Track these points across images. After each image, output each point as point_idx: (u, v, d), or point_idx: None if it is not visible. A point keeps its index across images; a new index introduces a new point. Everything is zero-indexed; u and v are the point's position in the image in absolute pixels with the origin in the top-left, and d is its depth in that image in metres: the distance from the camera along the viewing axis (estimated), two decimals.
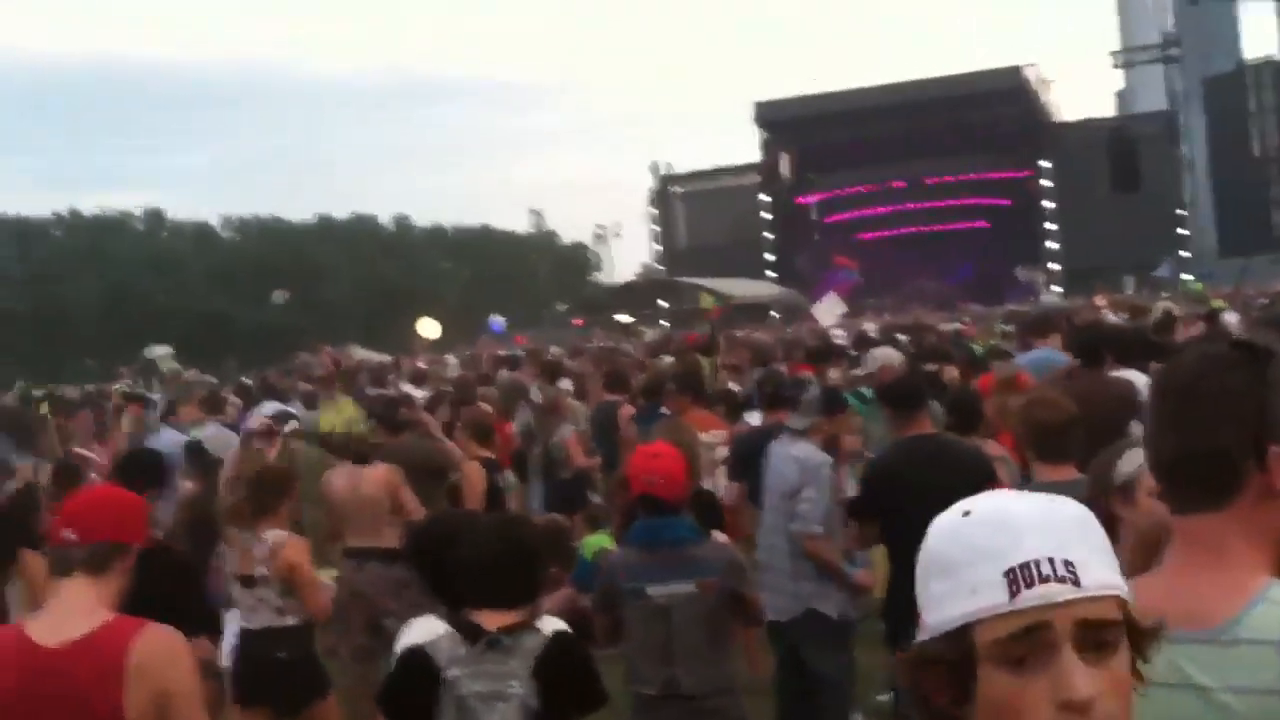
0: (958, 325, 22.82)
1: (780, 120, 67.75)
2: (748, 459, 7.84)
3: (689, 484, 5.39)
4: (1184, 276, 53.65)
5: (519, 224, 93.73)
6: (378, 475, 7.99)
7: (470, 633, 3.72)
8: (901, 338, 15.95)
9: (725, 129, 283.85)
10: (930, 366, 10.80)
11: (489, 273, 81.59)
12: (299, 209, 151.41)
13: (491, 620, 3.75)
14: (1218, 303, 20.60)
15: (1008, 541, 1.37)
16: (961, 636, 1.38)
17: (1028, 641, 1.34)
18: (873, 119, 63.92)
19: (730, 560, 5.25)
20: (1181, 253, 58.93)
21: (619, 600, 5.10)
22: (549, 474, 11.72)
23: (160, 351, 34.03)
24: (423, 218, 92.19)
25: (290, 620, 6.33)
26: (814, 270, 61.20)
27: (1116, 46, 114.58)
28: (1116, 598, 1.38)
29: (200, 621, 5.53)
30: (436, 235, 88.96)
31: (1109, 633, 1.36)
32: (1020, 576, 1.35)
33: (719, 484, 8.67)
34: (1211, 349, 2.05)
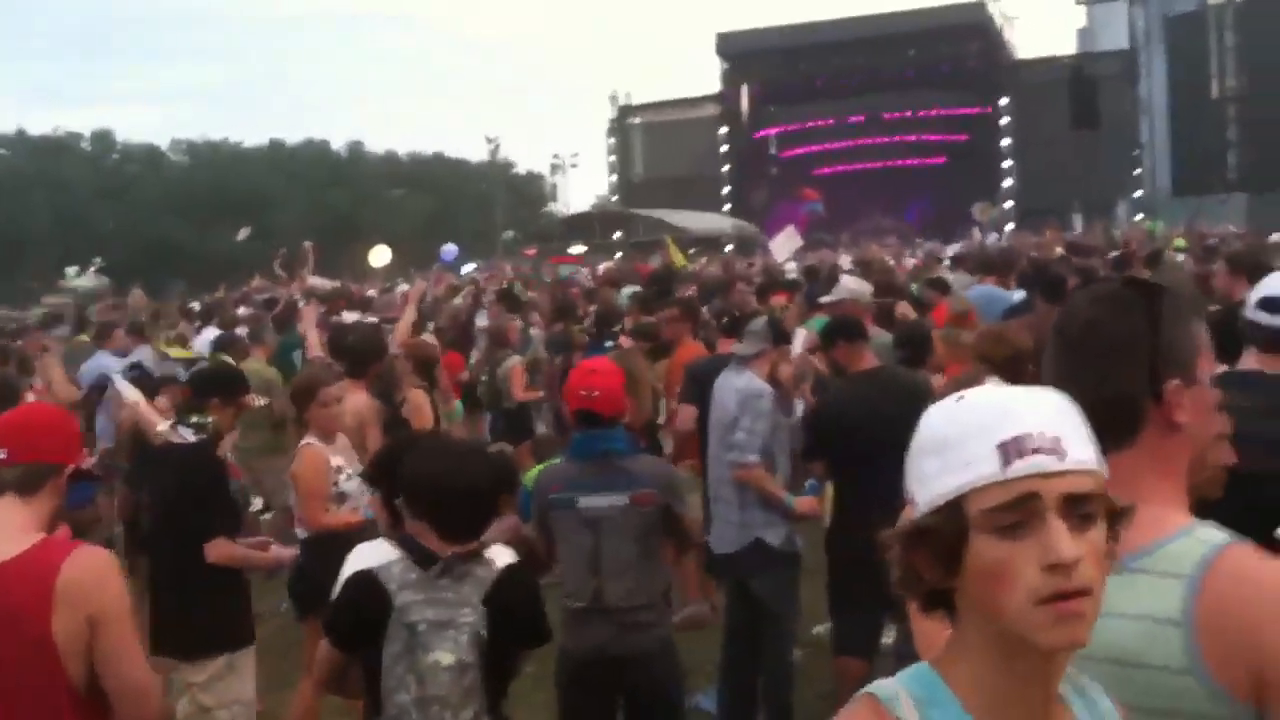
0: (914, 260, 22.99)
1: (741, 52, 67.35)
2: (701, 385, 7.80)
3: (627, 402, 5.33)
4: (1136, 217, 53.97)
5: (476, 153, 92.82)
6: (355, 405, 7.68)
7: (424, 558, 3.64)
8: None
9: (687, 60, 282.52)
10: (884, 300, 10.88)
11: (443, 201, 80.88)
12: (253, 134, 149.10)
13: (443, 547, 3.67)
14: (1179, 242, 20.75)
15: (1000, 417, 1.49)
16: (954, 509, 1.48)
17: (1019, 510, 1.45)
18: (834, 52, 63.63)
19: (666, 476, 5.24)
20: (1137, 192, 59.22)
21: (550, 512, 5.07)
22: (494, 404, 11.69)
23: (71, 273, 33.37)
24: (377, 144, 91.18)
25: (302, 532, 6.43)
26: (771, 204, 61.09)
27: None
28: (1095, 474, 1.49)
29: (226, 521, 5.64)
30: (390, 162, 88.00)
31: (1090, 505, 1.47)
32: (1012, 448, 1.46)
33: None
34: (1103, 291, 2.09)
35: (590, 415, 5.06)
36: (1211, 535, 1.88)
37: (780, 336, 6.96)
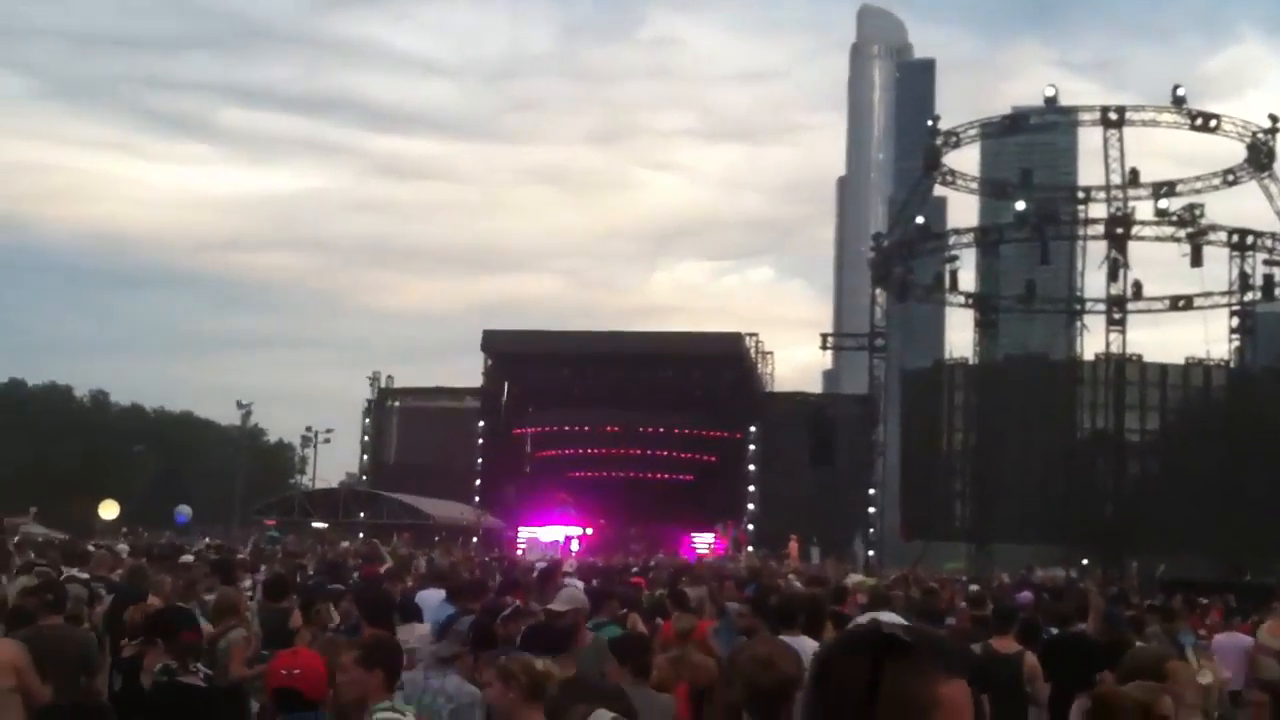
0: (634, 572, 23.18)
1: (506, 350, 68.63)
2: None
3: (328, 688, 5.23)
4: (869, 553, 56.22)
5: (226, 417, 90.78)
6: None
7: None
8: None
9: (450, 352, 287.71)
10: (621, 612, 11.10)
11: (187, 461, 78.46)
12: None
13: None
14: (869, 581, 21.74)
15: None
16: None
17: None
18: (596, 362, 65.50)
19: None
20: (869, 530, 61.73)
21: None
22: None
23: None
24: (123, 397, 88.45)
25: None
26: (522, 501, 61.23)
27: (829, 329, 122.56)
28: None
29: None
30: (134, 414, 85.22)
31: None
32: None
33: None
34: (850, 637, 2.19)
35: (291, 694, 4.97)
36: None
37: (483, 639, 6.83)
